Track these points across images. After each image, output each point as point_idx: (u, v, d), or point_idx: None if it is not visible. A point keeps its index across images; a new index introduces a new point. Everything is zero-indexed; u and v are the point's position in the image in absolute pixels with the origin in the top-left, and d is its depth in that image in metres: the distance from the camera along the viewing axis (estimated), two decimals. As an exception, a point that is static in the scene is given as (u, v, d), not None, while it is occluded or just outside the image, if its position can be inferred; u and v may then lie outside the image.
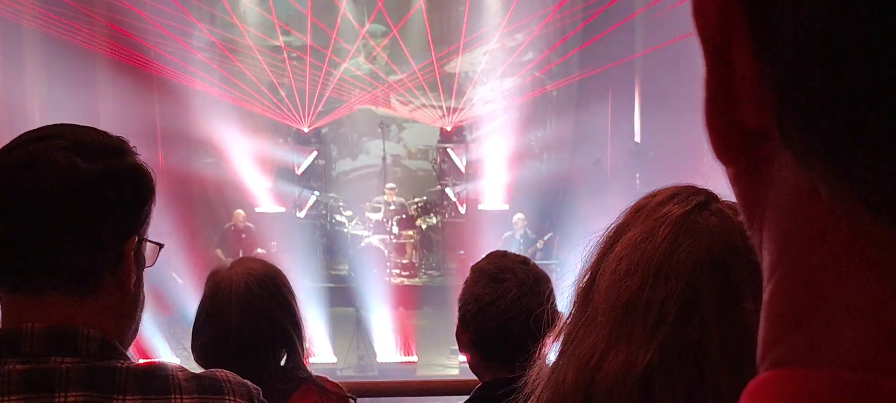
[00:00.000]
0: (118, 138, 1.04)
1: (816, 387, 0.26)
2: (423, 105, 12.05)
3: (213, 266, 1.84)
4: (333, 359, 8.22)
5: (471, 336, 1.63)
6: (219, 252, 9.31)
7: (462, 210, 11.33)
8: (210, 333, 1.72)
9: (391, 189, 10.67)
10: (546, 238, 9.93)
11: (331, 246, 10.86)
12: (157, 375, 0.99)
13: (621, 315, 0.77)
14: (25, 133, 1.01)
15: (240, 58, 11.46)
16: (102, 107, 9.67)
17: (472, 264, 1.72)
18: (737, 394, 0.28)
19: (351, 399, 1.82)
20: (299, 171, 11.53)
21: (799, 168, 0.26)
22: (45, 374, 0.94)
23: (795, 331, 0.28)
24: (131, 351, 1.05)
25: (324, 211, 11.27)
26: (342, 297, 9.38)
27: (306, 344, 1.80)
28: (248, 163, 10.80)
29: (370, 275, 9.69)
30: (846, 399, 0.25)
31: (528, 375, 0.88)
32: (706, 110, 0.29)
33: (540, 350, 0.93)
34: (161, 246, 1.09)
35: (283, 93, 11.75)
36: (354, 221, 10.93)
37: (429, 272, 10.69)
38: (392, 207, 10.50)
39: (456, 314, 1.69)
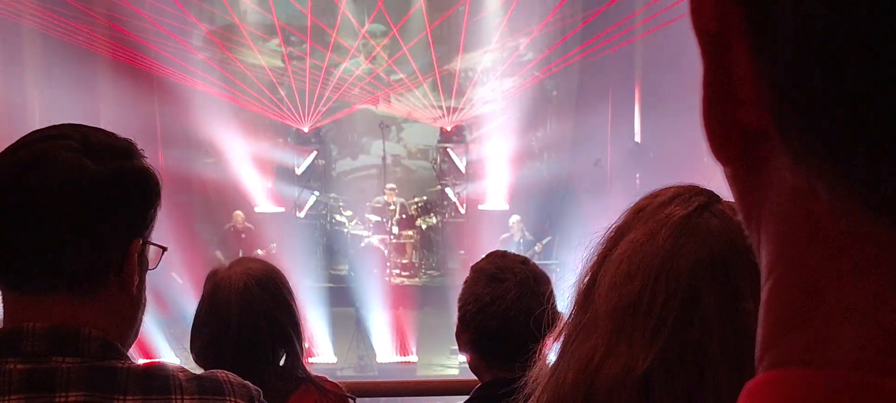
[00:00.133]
0: (126, 140, 1.04)
1: (815, 388, 0.26)
2: (423, 105, 12.05)
3: (212, 266, 1.84)
4: (333, 359, 8.23)
5: (471, 335, 1.63)
6: (218, 252, 9.31)
7: (462, 210, 11.33)
8: (209, 333, 1.72)
9: (391, 189, 10.67)
10: (545, 241, 9.92)
11: (331, 247, 10.86)
12: (157, 375, 0.99)
13: (622, 317, 0.77)
14: (33, 132, 1.01)
15: (240, 58, 11.46)
16: (103, 107, 9.68)
17: (472, 264, 1.72)
18: (737, 395, 0.28)
19: (350, 399, 1.82)
20: (299, 171, 11.52)
21: (797, 168, 0.26)
22: (46, 374, 0.94)
23: (793, 332, 0.28)
24: (134, 351, 1.05)
25: (324, 212, 11.26)
26: (342, 297, 9.38)
27: (306, 344, 1.80)
28: (248, 163, 10.80)
29: (370, 275, 9.69)
30: (845, 400, 0.25)
31: (528, 375, 0.88)
32: (704, 110, 0.29)
33: (540, 350, 0.93)
34: (164, 248, 1.09)
35: (283, 93, 11.75)
36: (354, 221, 10.93)
37: (429, 272, 10.69)
38: (392, 207, 10.50)
39: (456, 314, 1.69)
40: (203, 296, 1.77)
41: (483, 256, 1.73)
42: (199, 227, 10.12)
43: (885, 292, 0.25)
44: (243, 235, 9.73)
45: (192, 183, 10.74)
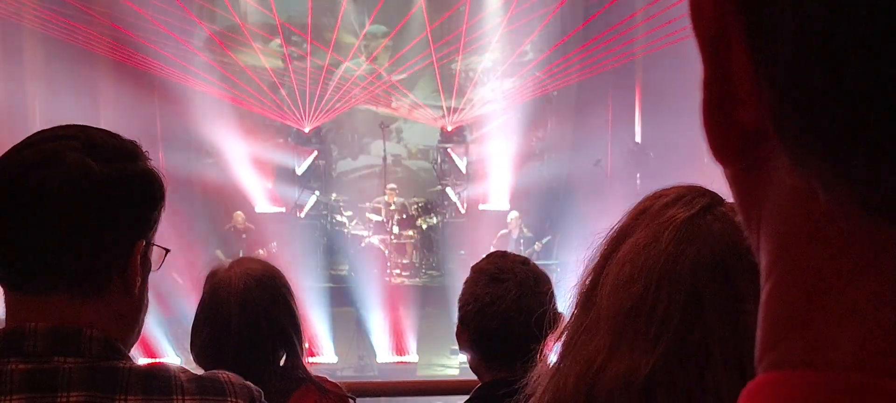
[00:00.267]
0: (131, 142, 1.04)
1: (815, 389, 0.26)
2: (424, 105, 12.05)
3: (212, 266, 1.84)
4: (334, 359, 8.23)
5: (471, 336, 1.63)
6: (219, 252, 9.30)
7: (462, 210, 11.33)
8: (209, 333, 1.72)
9: (392, 189, 10.67)
10: (544, 241, 9.92)
11: (331, 247, 10.85)
12: (159, 376, 0.99)
13: (624, 320, 0.77)
14: (38, 132, 1.01)
15: (241, 58, 11.46)
16: (103, 107, 9.68)
17: (472, 264, 1.72)
18: (738, 396, 0.28)
19: (351, 400, 1.82)
20: (299, 172, 11.52)
21: (797, 168, 0.26)
22: (47, 374, 0.94)
23: (793, 333, 0.27)
24: (138, 351, 1.06)
25: (324, 212, 11.26)
26: (342, 297, 9.38)
27: (306, 344, 1.80)
28: (249, 163, 10.80)
29: (370, 275, 9.69)
30: (845, 401, 0.25)
31: (528, 376, 0.88)
32: (704, 110, 0.29)
33: (541, 350, 0.93)
34: (167, 250, 1.09)
35: (283, 93, 11.75)
36: (355, 221, 10.93)
37: (429, 272, 10.69)
38: (392, 207, 10.50)
39: (456, 314, 1.69)
40: (203, 297, 1.77)
41: (483, 256, 1.73)
42: (199, 227, 10.12)
43: (885, 293, 0.25)
44: (244, 235, 9.73)
45: (192, 183, 10.73)
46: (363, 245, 10.42)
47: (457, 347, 1.71)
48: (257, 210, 10.70)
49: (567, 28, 10.81)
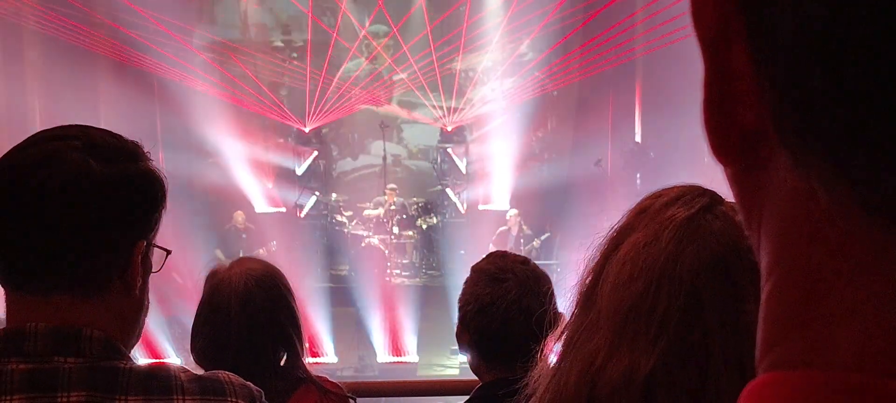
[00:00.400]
0: (133, 142, 1.04)
1: (815, 389, 0.26)
2: (424, 105, 12.05)
3: (212, 266, 1.84)
4: (334, 359, 8.23)
5: (471, 336, 1.63)
6: (219, 252, 9.31)
7: (462, 210, 11.33)
8: (209, 333, 1.72)
9: (392, 189, 10.67)
10: (543, 237, 9.93)
11: (331, 247, 10.86)
12: (159, 376, 0.99)
13: (625, 319, 0.77)
14: (41, 132, 1.01)
15: (241, 58, 11.46)
16: (103, 108, 9.68)
17: (472, 264, 1.72)
18: (738, 395, 0.28)
19: (351, 400, 1.82)
20: (300, 172, 11.53)
21: (797, 169, 0.26)
22: (48, 374, 0.94)
23: (793, 333, 0.27)
24: (142, 350, 1.06)
25: (324, 212, 11.26)
26: (342, 297, 9.38)
27: (306, 344, 1.80)
28: (249, 163, 10.80)
29: (370, 275, 9.69)
30: (845, 401, 0.25)
31: (529, 376, 0.88)
32: (705, 110, 0.29)
33: (541, 350, 0.93)
34: (168, 251, 1.09)
35: (283, 93, 11.75)
36: (355, 221, 10.93)
37: (429, 272, 10.69)
38: (393, 207, 10.50)
39: (456, 314, 1.69)
40: (203, 297, 1.77)
41: (483, 256, 1.73)
42: (199, 227, 10.12)
43: (885, 293, 0.25)
44: (244, 235, 9.73)
45: (192, 183, 10.74)
46: (363, 245, 10.42)
47: (457, 347, 1.71)
48: (257, 210, 10.70)
49: (567, 28, 10.81)
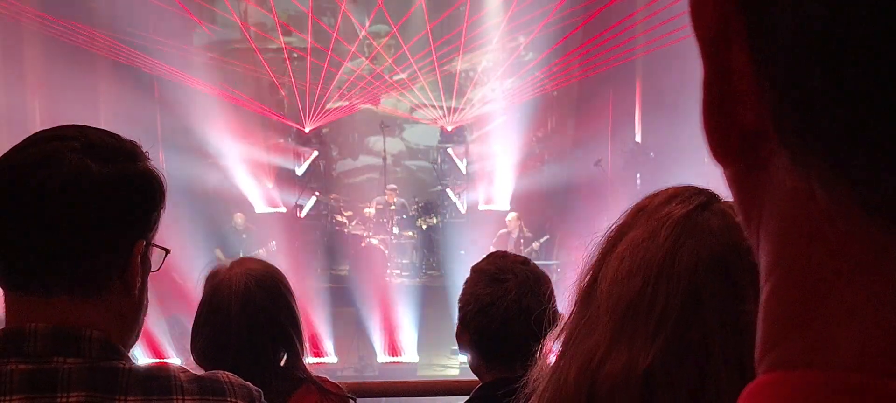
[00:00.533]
0: (131, 142, 1.04)
1: (815, 389, 0.26)
2: (424, 105, 12.05)
3: (212, 266, 1.84)
4: (334, 359, 8.23)
5: (471, 336, 1.64)
6: (219, 252, 9.31)
7: (462, 210, 11.33)
8: (209, 334, 1.72)
9: (392, 189, 10.67)
10: (543, 240, 9.92)
11: (331, 247, 10.85)
12: (159, 376, 0.99)
13: (623, 315, 0.77)
14: (39, 132, 1.01)
15: (241, 58, 11.46)
16: (103, 108, 9.69)
17: (472, 264, 1.72)
18: (738, 395, 0.28)
19: (351, 400, 1.82)
20: (300, 172, 11.53)
21: (797, 169, 0.26)
22: (47, 374, 0.94)
23: (793, 333, 0.27)
24: (142, 350, 1.06)
25: (324, 212, 11.26)
26: (342, 297, 9.38)
27: (306, 344, 1.80)
28: (249, 163, 10.80)
29: (370, 275, 9.68)
30: (845, 401, 0.25)
31: (529, 375, 0.88)
32: (704, 110, 0.29)
33: (541, 349, 0.93)
34: (167, 251, 1.09)
35: (283, 94, 11.75)
36: (355, 221, 10.94)
37: (429, 272, 10.69)
38: (393, 208, 10.50)
39: (456, 314, 1.69)
40: (203, 297, 1.77)
41: (483, 256, 1.73)
42: (199, 228, 10.12)
43: (885, 293, 0.25)
44: (244, 235, 9.73)
45: (192, 183, 10.74)
46: (363, 245, 10.42)
47: (457, 347, 1.71)
48: (257, 210, 10.70)
49: (567, 28, 10.81)
